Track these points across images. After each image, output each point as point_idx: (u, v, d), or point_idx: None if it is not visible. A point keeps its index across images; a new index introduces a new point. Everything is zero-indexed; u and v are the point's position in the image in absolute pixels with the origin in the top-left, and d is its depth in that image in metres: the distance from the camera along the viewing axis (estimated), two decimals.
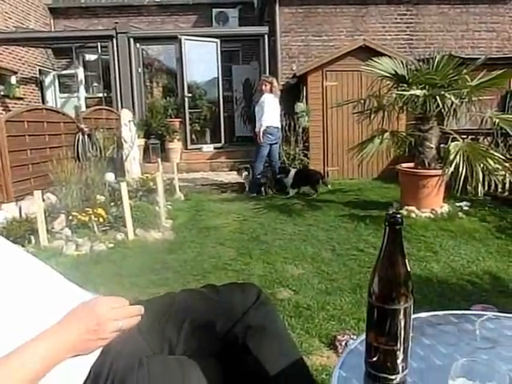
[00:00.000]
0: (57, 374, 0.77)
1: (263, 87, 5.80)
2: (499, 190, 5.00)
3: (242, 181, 6.22)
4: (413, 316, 0.73)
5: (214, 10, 10.25)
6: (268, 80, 5.81)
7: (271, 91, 5.76)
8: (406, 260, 0.72)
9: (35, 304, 0.82)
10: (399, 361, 0.73)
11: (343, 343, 2.05)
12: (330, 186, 6.03)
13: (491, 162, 3.84)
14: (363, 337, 0.79)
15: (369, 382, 0.75)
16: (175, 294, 1.14)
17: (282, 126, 6.06)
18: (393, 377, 0.73)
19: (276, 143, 5.91)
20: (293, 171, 5.92)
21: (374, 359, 0.74)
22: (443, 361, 0.81)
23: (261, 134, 5.64)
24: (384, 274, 0.71)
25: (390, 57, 4.73)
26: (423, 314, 0.97)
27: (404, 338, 0.72)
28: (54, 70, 10.38)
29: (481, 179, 3.75)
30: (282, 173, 5.97)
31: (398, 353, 0.73)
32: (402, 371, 0.74)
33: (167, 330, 1.02)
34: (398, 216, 0.71)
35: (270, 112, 5.62)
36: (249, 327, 0.98)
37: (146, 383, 0.86)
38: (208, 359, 0.98)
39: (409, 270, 0.72)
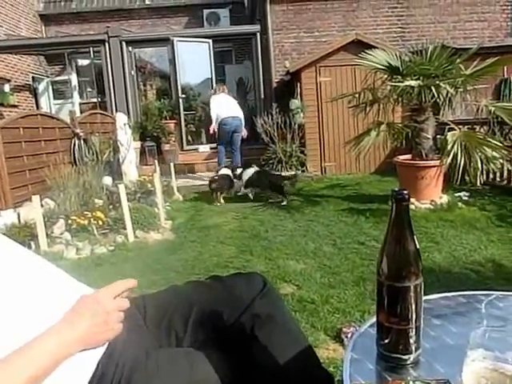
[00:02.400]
0: (64, 370, 0.75)
1: (212, 93, 6.73)
2: (497, 178, 5.01)
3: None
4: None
5: (205, 11, 10.24)
6: (217, 87, 6.79)
7: (219, 92, 6.57)
8: (415, 237, 0.70)
9: (40, 300, 0.81)
10: (412, 340, 0.71)
11: (349, 335, 2.03)
12: (308, 184, 5.88)
13: (489, 150, 3.84)
14: (373, 320, 0.78)
15: (381, 363, 0.73)
16: (180, 286, 1.13)
17: (243, 115, 6.58)
18: (406, 357, 0.72)
19: (235, 131, 6.42)
20: (252, 170, 5.50)
21: (386, 340, 0.73)
22: (456, 340, 0.79)
23: (215, 130, 6.38)
24: (393, 250, 0.70)
25: (383, 50, 4.72)
26: (432, 296, 0.96)
27: (416, 317, 0.71)
28: (48, 76, 10.35)
29: (480, 167, 3.75)
30: (241, 168, 5.67)
31: (410, 332, 0.71)
32: (415, 351, 0.73)
33: (173, 322, 1.01)
34: (405, 192, 0.69)
35: (218, 108, 6.38)
36: (256, 316, 0.97)
37: (154, 376, 0.85)
38: (216, 350, 0.97)
39: (418, 247, 0.71)
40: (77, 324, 0.77)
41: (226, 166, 6.00)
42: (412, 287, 0.70)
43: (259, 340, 0.95)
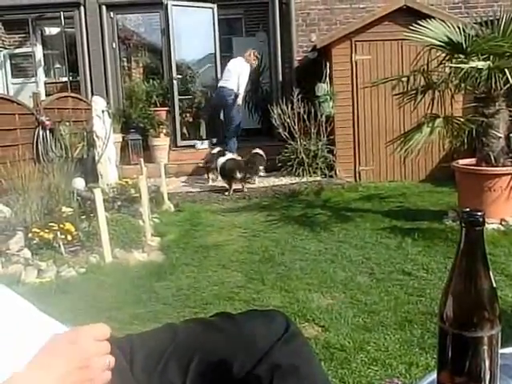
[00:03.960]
0: None
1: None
2: None
3: (250, 186, 6.31)
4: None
5: None
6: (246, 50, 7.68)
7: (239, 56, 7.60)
8: (491, 272, 0.70)
9: None
10: None
11: None
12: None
13: None
14: (431, 377, 0.77)
15: None
16: (178, 325, 1.13)
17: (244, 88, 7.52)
18: None
19: (220, 105, 7.55)
20: (224, 158, 6.46)
21: None
22: None
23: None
24: (462, 289, 0.69)
25: (441, 20, 4.72)
26: (510, 350, 0.95)
27: (490, 377, 0.70)
28: (5, 48, 10.53)
29: None
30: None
31: None
32: None
33: (169, 371, 1.01)
34: (480, 214, 0.69)
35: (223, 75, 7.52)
36: (277, 367, 0.97)
37: None
38: None
39: (494, 285, 0.70)
40: (47, 371, 0.75)
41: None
42: (486, 338, 0.69)
43: None
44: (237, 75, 7.30)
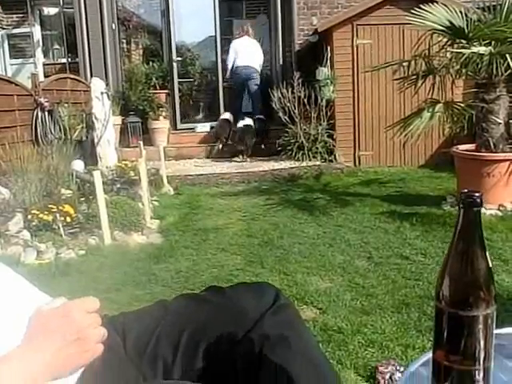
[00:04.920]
0: None
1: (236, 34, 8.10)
2: None
3: (249, 170, 6.28)
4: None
5: None
6: (239, 28, 8.09)
7: (242, 34, 7.84)
8: (487, 253, 0.71)
9: None
10: None
11: (387, 376, 2.05)
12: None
13: None
14: (427, 356, 0.79)
15: None
16: (168, 301, 1.14)
17: (262, 64, 8.03)
18: None
19: (249, 79, 7.72)
20: (242, 122, 7.24)
21: None
22: None
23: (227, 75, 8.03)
24: (458, 269, 0.70)
25: (443, 4, 4.68)
26: (504, 330, 0.96)
27: (485, 356, 0.71)
28: (3, 28, 10.44)
29: None
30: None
31: (476, 375, 0.71)
32: None
33: (160, 346, 1.02)
34: (477, 195, 0.70)
35: (235, 55, 7.72)
36: (266, 337, 0.98)
37: None
38: (213, 381, 0.98)
39: (490, 265, 0.71)
40: (43, 346, 0.75)
41: (243, 115, 7.58)
42: (481, 317, 0.70)
43: (269, 368, 0.95)
44: (257, 54, 7.81)
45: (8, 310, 0.85)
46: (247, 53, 7.68)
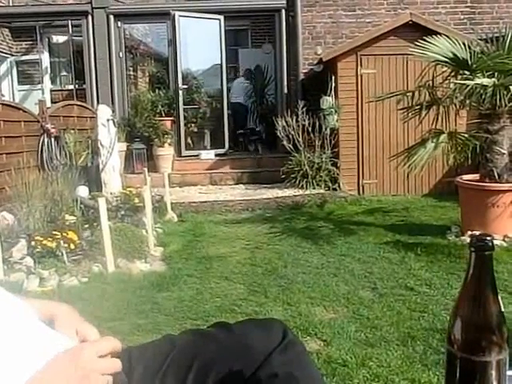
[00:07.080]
0: None
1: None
2: None
3: (253, 197, 6.27)
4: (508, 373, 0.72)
5: None
6: None
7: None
8: (499, 297, 0.70)
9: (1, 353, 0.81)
10: None
11: None
12: None
13: None
14: None
15: None
16: (176, 336, 1.13)
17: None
18: None
19: None
20: None
21: None
22: None
23: None
24: (470, 313, 0.70)
25: (446, 36, 4.74)
26: None
27: None
28: (12, 54, 10.60)
29: None
30: None
31: None
32: None
33: (167, 383, 1.00)
34: (488, 239, 0.70)
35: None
36: (274, 376, 0.97)
37: None
38: None
39: (502, 309, 0.70)
40: None
41: None
42: (494, 363, 0.69)
43: None
44: None
45: (8, 338, 0.84)
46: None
